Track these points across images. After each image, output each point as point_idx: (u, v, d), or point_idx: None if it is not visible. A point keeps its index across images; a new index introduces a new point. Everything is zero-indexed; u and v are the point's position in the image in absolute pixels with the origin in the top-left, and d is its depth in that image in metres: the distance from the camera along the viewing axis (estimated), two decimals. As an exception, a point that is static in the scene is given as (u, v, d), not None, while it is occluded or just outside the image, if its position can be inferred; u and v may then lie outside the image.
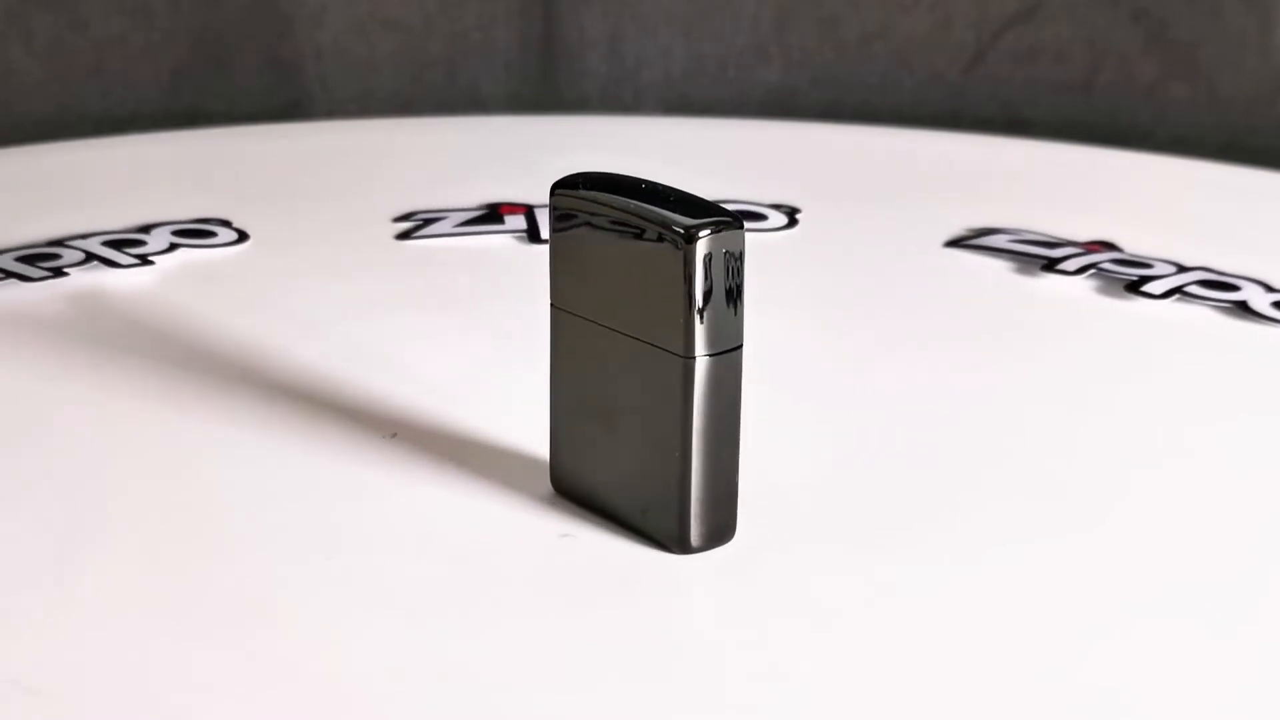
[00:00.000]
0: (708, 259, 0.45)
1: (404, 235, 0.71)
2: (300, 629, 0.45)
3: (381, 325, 0.62)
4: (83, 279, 0.66)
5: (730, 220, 0.46)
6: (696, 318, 0.46)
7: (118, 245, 0.68)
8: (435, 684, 0.43)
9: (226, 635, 0.44)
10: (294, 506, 0.50)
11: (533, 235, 0.71)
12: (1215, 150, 0.90)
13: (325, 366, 0.58)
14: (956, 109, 0.95)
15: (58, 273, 0.66)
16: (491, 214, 0.73)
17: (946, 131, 0.90)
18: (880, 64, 0.95)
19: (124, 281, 0.66)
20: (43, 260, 0.67)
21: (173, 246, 0.69)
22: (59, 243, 0.68)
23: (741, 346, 0.46)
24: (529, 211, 0.73)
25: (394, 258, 0.69)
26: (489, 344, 0.61)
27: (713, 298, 0.46)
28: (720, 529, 0.48)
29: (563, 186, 0.48)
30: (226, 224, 0.71)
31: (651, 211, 0.46)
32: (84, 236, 0.69)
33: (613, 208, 0.47)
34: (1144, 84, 0.94)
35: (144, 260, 0.67)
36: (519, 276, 0.66)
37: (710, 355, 0.46)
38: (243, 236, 0.70)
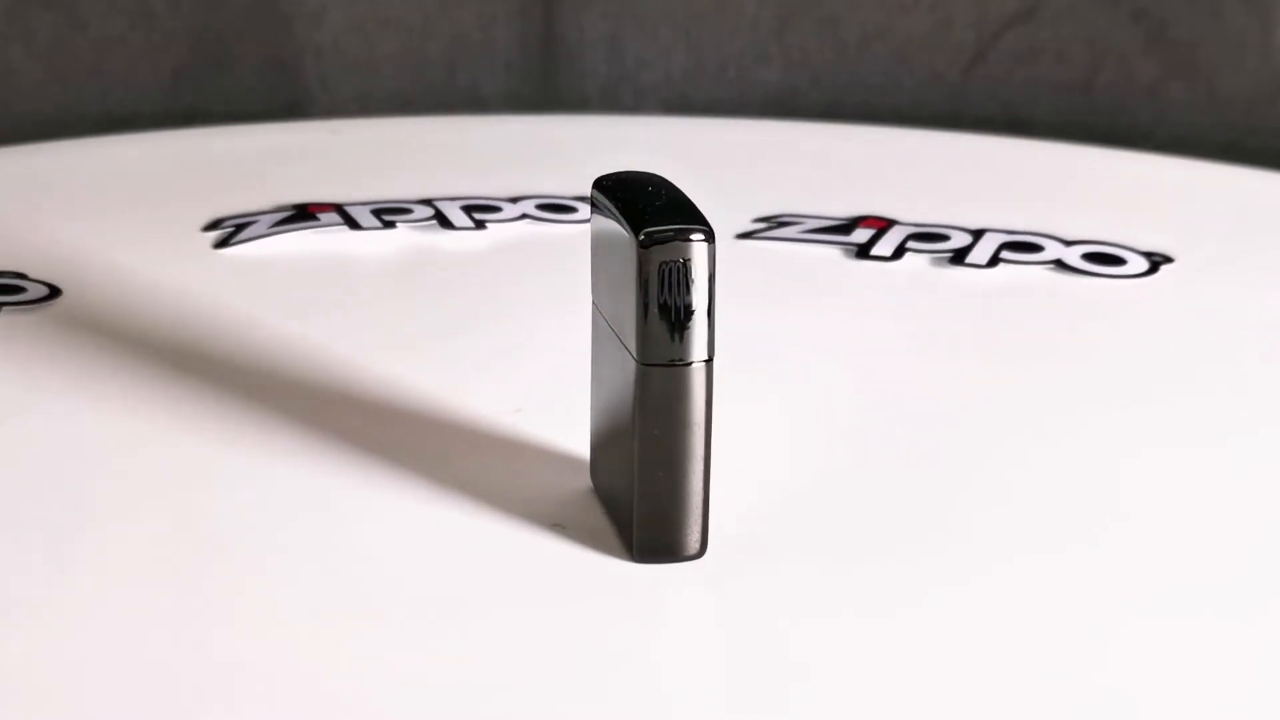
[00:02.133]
0: (664, 267, 0.45)
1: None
2: (299, 630, 0.45)
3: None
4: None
5: (696, 231, 0.45)
6: (650, 324, 0.45)
7: None
8: (411, 686, 0.43)
9: (224, 636, 0.45)
10: (286, 512, 0.50)
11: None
12: (1215, 150, 0.90)
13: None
14: (956, 109, 0.95)
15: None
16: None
17: (947, 131, 0.90)
18: (880, 64, 0.95)
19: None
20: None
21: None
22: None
23: (708, 361, 0.46)
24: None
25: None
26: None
27: (669, 307, 0.45)
28: (674, 544, 0.47)
29: (599, 184, 0.48)
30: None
31: (632, 215, 0.46)
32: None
33: (610, 208, 0.47)
34: (1144, 84, 0.94)
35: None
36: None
37: (663, 365, 0.46)
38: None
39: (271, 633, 0.45)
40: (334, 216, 0.71)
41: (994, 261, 0.69)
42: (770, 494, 0.51)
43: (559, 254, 0.68)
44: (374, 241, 0.70)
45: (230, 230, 0.70)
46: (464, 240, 0.71)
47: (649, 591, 0.46)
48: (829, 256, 0.70)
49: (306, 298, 0.65)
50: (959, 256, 0.69)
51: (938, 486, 0.52)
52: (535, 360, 0.59)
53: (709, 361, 0.46)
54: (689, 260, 0.45)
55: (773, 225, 0.72)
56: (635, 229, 0.45)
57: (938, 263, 0.69)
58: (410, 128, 0.88)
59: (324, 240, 0.70)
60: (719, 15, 0.95)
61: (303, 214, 0.72)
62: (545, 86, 0.96)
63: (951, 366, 0.61)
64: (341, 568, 0.47)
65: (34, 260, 0.66)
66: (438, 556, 0.48)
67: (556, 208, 0.73)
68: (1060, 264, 0.69)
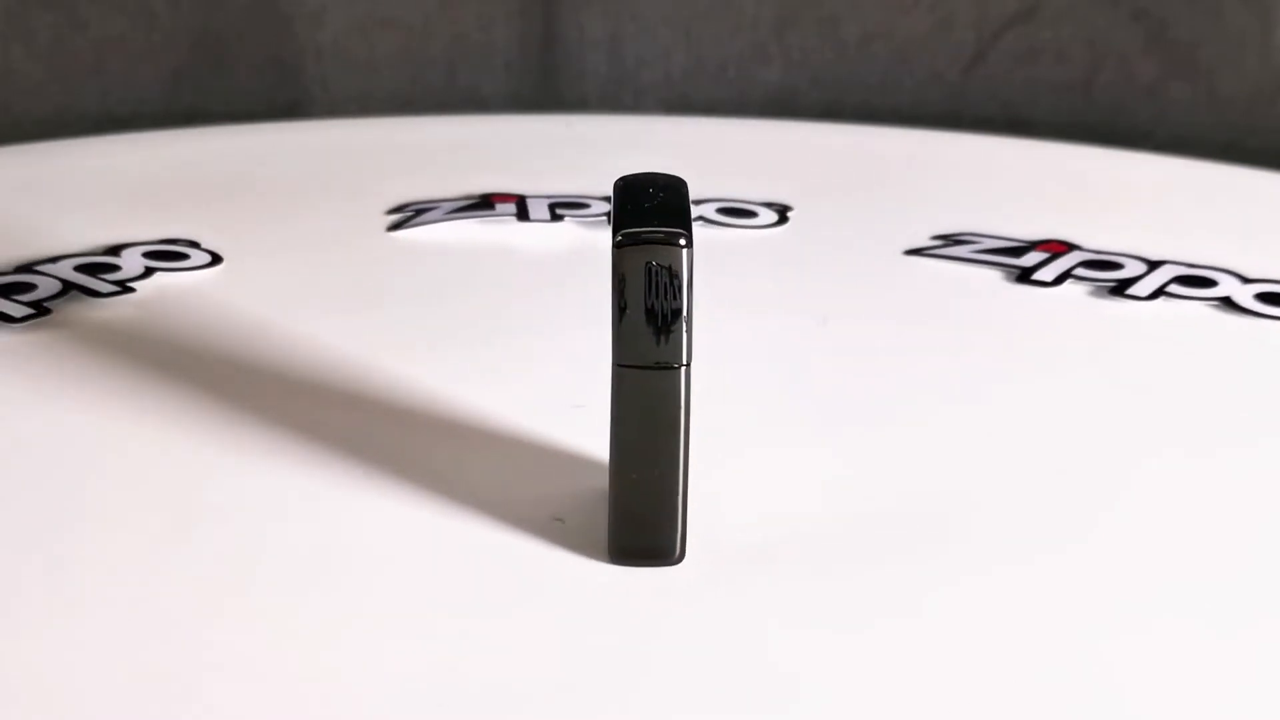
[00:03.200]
0: (638, 269, 0.45)
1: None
2: (298, 630, 0.45)
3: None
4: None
5: (673, 235, 0.45)
6: (624, 326, 0.45)
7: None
8: (408, 685, 0.43)
9: (220, 636, 0.45)
10: (285, 513, 0.50)
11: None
12: (1215, 150, 0.90)
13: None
14: (956, 109, 0.95)
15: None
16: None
17: (947, 131, 0.90)
18: (880, 64, 0.95)
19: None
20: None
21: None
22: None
23: (682, 367, 0.46)
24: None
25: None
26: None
27: (643, 310, 0.45)
28: (650, 548, 0.47)
29: (617, 184, 0.48)
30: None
31: (621, 215, 0.46)
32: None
33: (610, 209, 0.47)
34: (1144, 84, 0.94)
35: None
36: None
37: (637, 368, 0.46)
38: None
39: (266, 633, 0.45)
40: (509, 207, 0.72)
41: (1157, 294, 0.65)
42: (768, 503, 0.51)
43: (735, 258, 0.69)
44: (531, 233, 0.71)
45: (409, 214, 0.72)
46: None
47: (611, 596, 0.46)
48: (987, 279, 0.67)
49: (442, 278, 0.67)
50: (1121, 287, 0.66)
51: (940, 494, 0.52)
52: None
53: (686, 367, 0.46)
54: (664, 264, 0.45)
55: (948, 243, 0.70)
56: (615, 229, 0.45)
57: (1097, 292, 0.66)
58: (651, 125, 0.89)
59: (488, 230, 0.71)
60: (719, 15, 0.95)
61: (484, 203, 0.73)
62: (545, 86, 0.96)
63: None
64: (348, 568, 0.48)
65: (206, 232, 0.70)
66: (439, 556, 0.48)
67: (736, 211, 0.74)
68: (1228, 302, 0.65)
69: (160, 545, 0.48)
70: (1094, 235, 0.71)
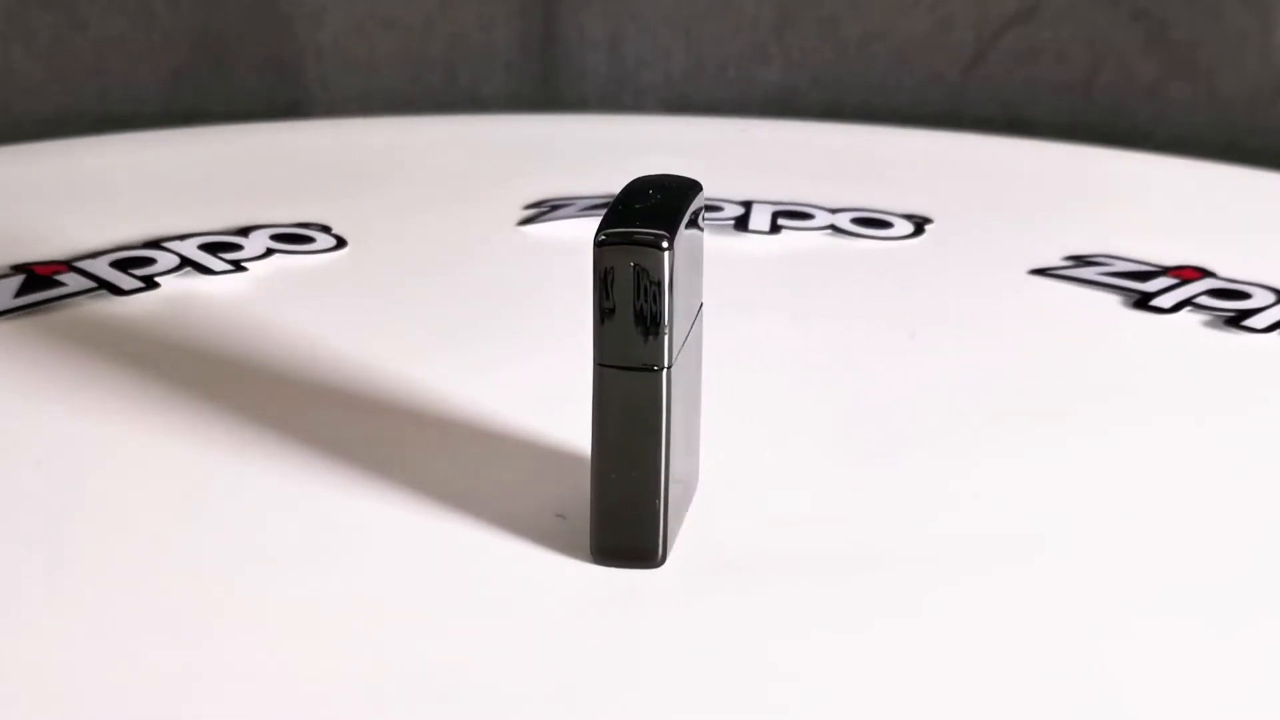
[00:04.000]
0: (617, 269, 0.45)
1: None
2: (285, 629, 0.45)
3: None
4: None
5: (654, 238, 0.45)
6: (604, 325, 0.45)
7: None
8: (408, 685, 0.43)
9: (220, 636, 0.45)
10: (288, 514, 0.51)
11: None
12: (1215, 150, 0.90)
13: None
14: (956, 109, 0.95)
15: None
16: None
17: (947, 131, 0.90)
18: (880, 64, 0.95)
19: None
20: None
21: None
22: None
23: (662, 369, 0.46)
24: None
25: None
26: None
27: (621, 310, 0.45)
28: (631, 549, 0.47)
29: (629, 184, 0.48)
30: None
31: (608, 215, 0.46)
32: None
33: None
34: (1144, 84, 0.94)
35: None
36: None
37: (616, 368, 0.46)
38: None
39: (259, 633, 0.45)
40: None
41: (1274, 328, 0.63)
42: (774, 512, 0.51)
43: (854, 269, 0.69)
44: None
45: (544, 210, 0.73)
46: (759, 243, 0.71)
47: (584, 596, 0.46)
48: (1103, 304, 0.66)
49: (558, 273, 0.67)
50: (1240, 318, 0.64)
51: (917, 496, 0.53)
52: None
53: (666, 369, 0.46)
54: (642, 266, 0.45)
55: (1078, 264, 0.69)
56: (599, 228, 0.45)
57: (1213, 322, 0.64)
58: (804, 131, 0.89)
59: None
60: (719, 15, 0.95)
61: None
62: (545, 86, 0.96)
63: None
64: (347, 569, 0.48)
65: (334, 218, 0.72)
66: (430, 553, 0.49)
67: (872, 222, 0.73)
68: None
69: (168, 540, 0.49)
70: (1236, 262, 0.69)
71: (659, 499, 0.46)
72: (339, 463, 0.52)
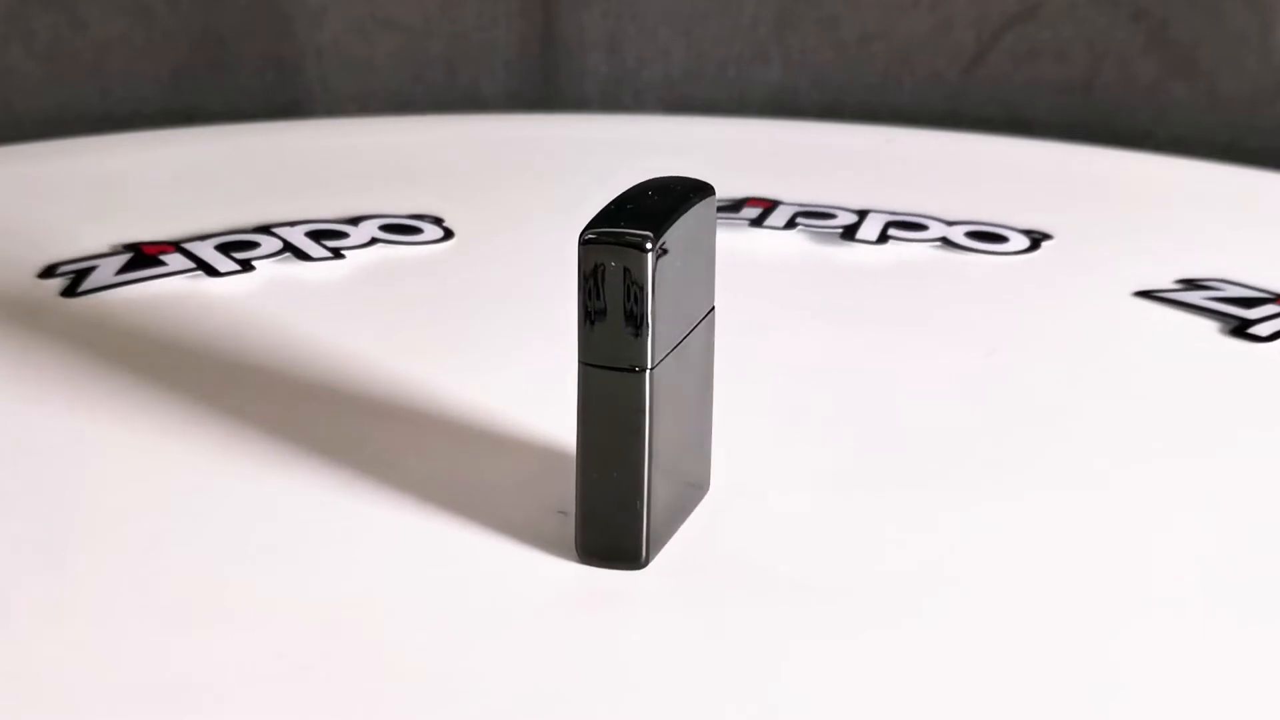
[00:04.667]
0: (596, 269, 0.45)
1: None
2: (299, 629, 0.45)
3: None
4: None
5: (635, 239, 0.45)
6: (586, 324, 0.46)
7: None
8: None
9: (219, 636, 0.45)
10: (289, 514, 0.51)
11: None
12: (1216, 150, 0.90)
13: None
14: (956, 109, 0.95)
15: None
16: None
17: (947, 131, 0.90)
18: (880, 64, 0.95)
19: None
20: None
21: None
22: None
23: (645, 371, 0.46)
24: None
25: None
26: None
27: (604, 309, 0.45)
28: (613, 549, 0.47)
29: (639, 184, 0.48)
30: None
31: (599, 214, 0.46)
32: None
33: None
34: (1144, 84, 0.94)
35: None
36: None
37: (599, 367, 0.46)
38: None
39: (250, 633, 0.45)
40: (754, 212, 0.73)
41: None
42: (769, 520, 0.51)
43: (948, 284, 0.68)
44: (766, 239, 0.71)
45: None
46: (857, 252, 0.71)
47: (563, 598, 0.46)
48: (1200, 330, 0.64)
49: None
50: None
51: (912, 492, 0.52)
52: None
53: (648, 370, 0.46)
54: (621, 266, 0.45)
55: (1187, 287, 0.67)
56: (586, 226, 0.46)
57: None
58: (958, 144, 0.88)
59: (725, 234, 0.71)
60: (719, 15, 0.95)
61: (736, 206, 0.74)
62: (545, 86, 0.96)
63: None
64: (339, 569, 0.48)
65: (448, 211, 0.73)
66: (420, 551, 0.49)
67: (986, 235, 0.72)
68: None
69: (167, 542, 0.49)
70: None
71: (641, 501, 0.46)
72: (361, 463, 0.53)
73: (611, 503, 0.47)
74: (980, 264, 0.70)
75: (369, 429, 0.55)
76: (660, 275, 0.45)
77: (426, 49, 0.95)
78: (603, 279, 0.45)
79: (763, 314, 0.63)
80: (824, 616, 0.46)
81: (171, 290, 0.65)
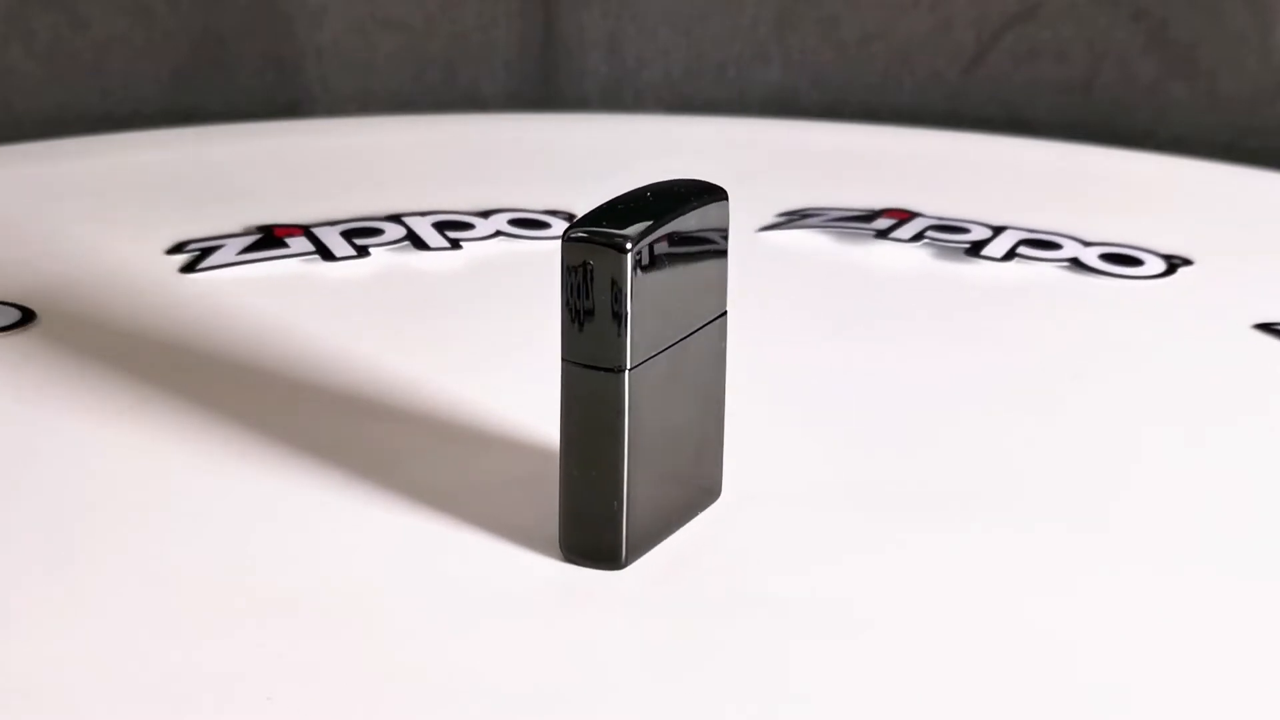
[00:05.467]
0: (577, 267, 0.45)
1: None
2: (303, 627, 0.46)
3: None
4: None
5: (613, 239, 0.45)
6: (567, 321, 0.46)
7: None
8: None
9: (221, 635, 0.45)
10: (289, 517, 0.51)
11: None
12: (1216, 150, 0.90)
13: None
14: (956, 109, 0.95)
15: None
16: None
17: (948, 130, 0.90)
18: (880, 64, 0.95)
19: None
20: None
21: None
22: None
23: (623, 371, 0.46)
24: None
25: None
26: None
27: (584, 308, 0.45)
28: (592, 548, 0.47)
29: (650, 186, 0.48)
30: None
31: (590, 212, 0.46)
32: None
33: None
34: (1144, 84, 0.94)
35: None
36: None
37: (578, 364, 0.46)
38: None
39: (240, 631, 0.45)
40: (891, 222, 0.72)
41: None
42: (770, 532, 0.50)
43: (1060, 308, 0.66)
44: (886, 252, 0.71)
45: (790, 218, 0.73)
46: (973, 269, 0.70)
47: (536, 595, 0.47)
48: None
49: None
50: None
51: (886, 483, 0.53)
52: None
53: (626, 371, 0.46)
54: (596, 265, 0.45)
55: None
56: (572, 224, 0.46)
57: None
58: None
59: (848, 245, 0.71)
60: (719, 15, 0.95)
61: (870, 217, 0.73)
62: (545, 86, 0.96)
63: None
64: (331, 570, 0.48)
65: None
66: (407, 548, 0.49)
67: (1119, 258, 0.70)
68: None
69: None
70: None
71: (619, 501, 0.46)
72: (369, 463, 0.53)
73: (591, 502, 0.47)
74: (1104, 287, 0.67)
75: (362, 425, 0.55)
76: (644, 276, 0.45)
77: (426, 49, 0.95)
78: (584, 277, 0.45)
79: (827, 326, 0.63)
80: (795, 630, 0.46)
81: (279, 272, 0.67)
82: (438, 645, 0.45)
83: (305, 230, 0.69)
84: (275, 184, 0.77)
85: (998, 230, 0.71)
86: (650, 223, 0.46)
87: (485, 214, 0.71)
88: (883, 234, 0.71)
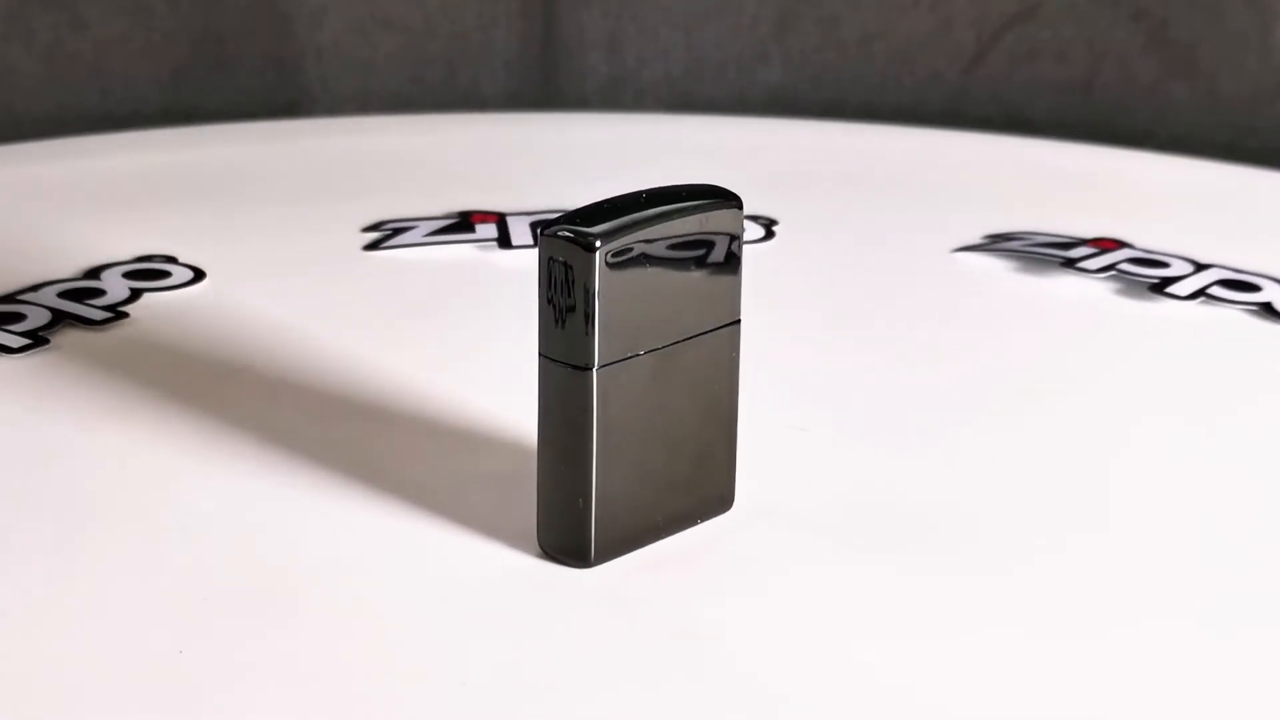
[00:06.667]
0: (551, 263, 0.45)
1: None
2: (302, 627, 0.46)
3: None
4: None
5: (583, 237, 0.45)
6: (543, 317, 0.46)
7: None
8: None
9: (225, 636, 0.45)
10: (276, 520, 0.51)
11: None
12: (1216, 150, 0.90)
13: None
14: (956, 109, 0.95)
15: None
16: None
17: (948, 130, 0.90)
18: (880, 64, 0.95)
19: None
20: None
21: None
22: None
23: (589, 368, 0.46)
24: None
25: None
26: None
27: (558, 304, 0.45)
28: (564, 544, 0.47)
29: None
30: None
31: (572, 211, 0.46)
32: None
33: None
34: (1144, 84, 0.94)
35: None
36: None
37: (552, 360, 0.46)
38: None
39: (229, 630, 0.45)
40: (1082, 251, 0.69)
41: None
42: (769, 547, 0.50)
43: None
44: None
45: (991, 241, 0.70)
46: (1161, 309, 0.66)
47: (500, 588, 0.47)
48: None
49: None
50: None
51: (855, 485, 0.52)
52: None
53: (594, 369, 0.46)
54: (565, 262, 0.45)
55: None
56: (552, 221, 0.46)
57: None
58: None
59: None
60: (719, 15, 0.95)
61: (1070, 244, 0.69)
62: (545, 86, 0.96)
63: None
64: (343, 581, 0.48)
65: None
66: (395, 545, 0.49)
67: (1240, 285, 0.67)
68: None
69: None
70: None
71: (587, 499, 0.46)
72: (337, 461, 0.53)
73: (563, 498, 0.47)
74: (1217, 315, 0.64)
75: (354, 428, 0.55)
76: (617, 276, 0.45)
77: (426, 49, 0.95)
78: (559, 274, 0.45)
79: (934, 352, 0.62)
80: (738, 649, 0.45)
81: (446, 257, 0.68)
82: (412, 639, 0.45)
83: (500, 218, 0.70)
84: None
85: (1201, 267, 0.67)
86: (627, 223, 0.46)
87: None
88: (1070, 264, 0.67)
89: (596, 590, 0.47)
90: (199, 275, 0.66)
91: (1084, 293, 0.66)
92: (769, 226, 0.72)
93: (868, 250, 0.71)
